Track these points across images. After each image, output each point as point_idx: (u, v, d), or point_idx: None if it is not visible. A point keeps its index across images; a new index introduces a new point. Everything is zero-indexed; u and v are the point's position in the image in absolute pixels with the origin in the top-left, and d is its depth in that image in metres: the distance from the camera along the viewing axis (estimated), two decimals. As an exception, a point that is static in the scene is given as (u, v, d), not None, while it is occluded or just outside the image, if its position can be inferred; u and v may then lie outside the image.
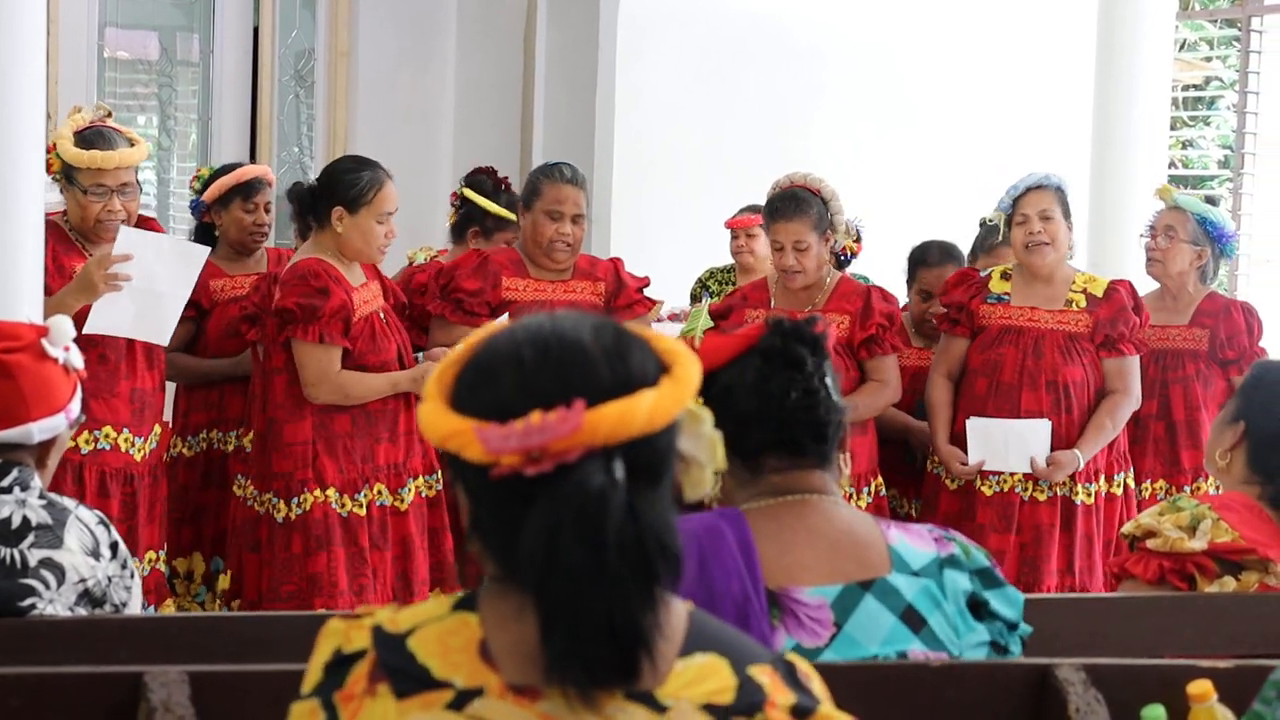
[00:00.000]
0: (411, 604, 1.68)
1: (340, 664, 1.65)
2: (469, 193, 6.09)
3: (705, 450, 1.71)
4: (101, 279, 4.66)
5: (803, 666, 1.71)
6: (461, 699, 1.59)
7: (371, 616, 1.67)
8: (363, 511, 4.95)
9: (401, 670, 1.61)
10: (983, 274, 5.61)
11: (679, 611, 1.67)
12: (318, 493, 4.93)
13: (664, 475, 1.63)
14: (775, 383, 2.44)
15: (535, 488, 1.56)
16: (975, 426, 5.37)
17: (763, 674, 1.66)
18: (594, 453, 1.56)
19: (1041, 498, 5.41)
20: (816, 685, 1.71)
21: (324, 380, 4.90)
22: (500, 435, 1.56)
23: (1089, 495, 5.45)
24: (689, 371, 1.65)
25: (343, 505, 4.93)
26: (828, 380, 2.47)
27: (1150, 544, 3.21)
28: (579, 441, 1.55)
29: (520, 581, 1.58)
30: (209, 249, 5.14)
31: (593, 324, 1.66)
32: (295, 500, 4.94)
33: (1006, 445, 5.35)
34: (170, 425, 5.46)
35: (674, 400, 1.62)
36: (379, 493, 4.98)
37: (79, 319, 4.65)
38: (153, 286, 4.79)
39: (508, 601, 1.61)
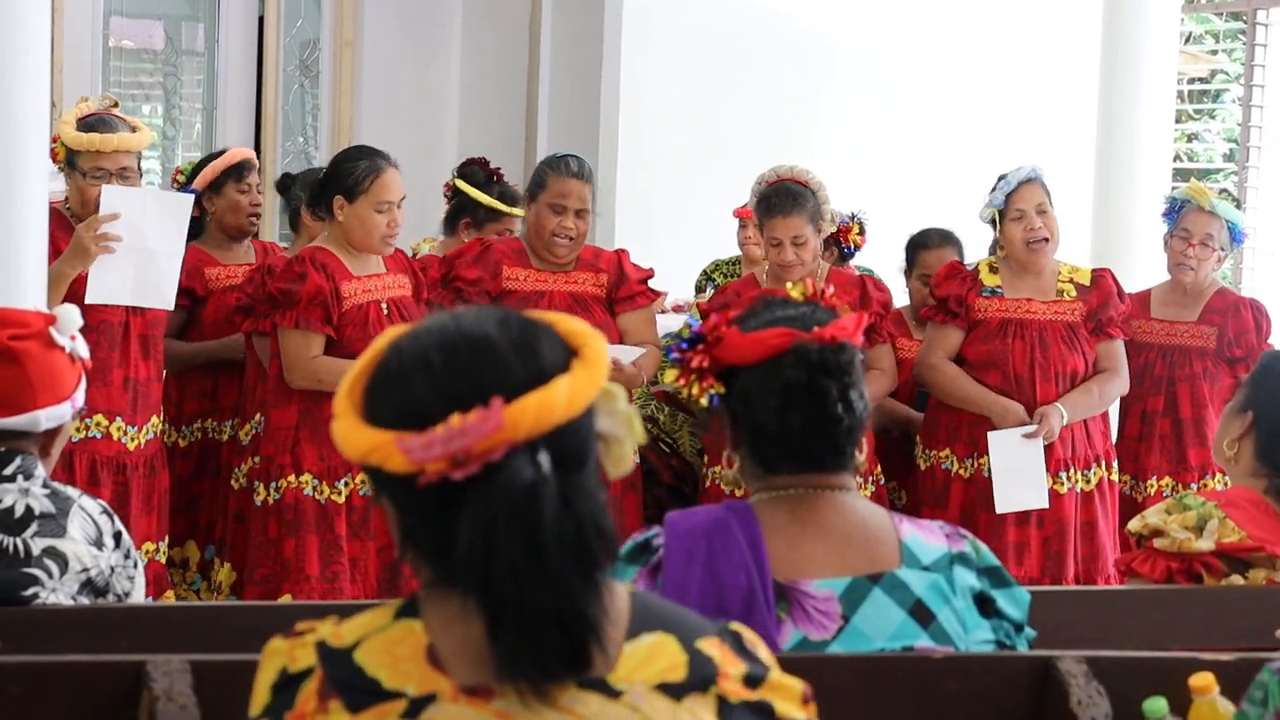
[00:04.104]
0: (351, 616, 1.66)
1: (287, 684, 1.62)
2: (461, 184, 6.09)
3: (623, 426, 1.67)
4: (92, 240, 4.67)
5: (748, 635, 1.71)
6: (415, 707, 1.57)
7: (314, 633, 1.64)
8: (341, 499, 4.95)
9: (351, 684, 1.59)
10: (969, 267, 5.59)
11: (621, 594, 1.66)
12: (292, 478, 4.94)
13: (588, 458, 1.61)
14: (795, 413, 2.44)
15: (464, 490, 1.54)
16: (997, 439, 5.34)
17: (711, 646, 1.66)
18: (518, 447, 1.54)
19: (1062, 490, 5.41)
20: (763, 652, 1.70)
21: (298, 365, 4.92)
22: (422, 444, 1.53)
23: (1088, 482, 5.47)
24: (598, 351, 1.63)
25: (320, 492, 4.94)
26: (853, 398, 2.47)
27: (1157, 544, 3.19)
28: (502, 439, 1.53)
29: (460, 584, 1.56)
30: (194, 195, 5.14)
31: (497, 318, 1.63)
32: (273, 484, 4.96)
33: (1023, 455, 5.34)
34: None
35: (588, 382, 1.60)
36: (361, 482, 4.95)
37: (78, 290, 4.68)
38: (145, 245, 4.79)
39: (449, 604, 1.59)
